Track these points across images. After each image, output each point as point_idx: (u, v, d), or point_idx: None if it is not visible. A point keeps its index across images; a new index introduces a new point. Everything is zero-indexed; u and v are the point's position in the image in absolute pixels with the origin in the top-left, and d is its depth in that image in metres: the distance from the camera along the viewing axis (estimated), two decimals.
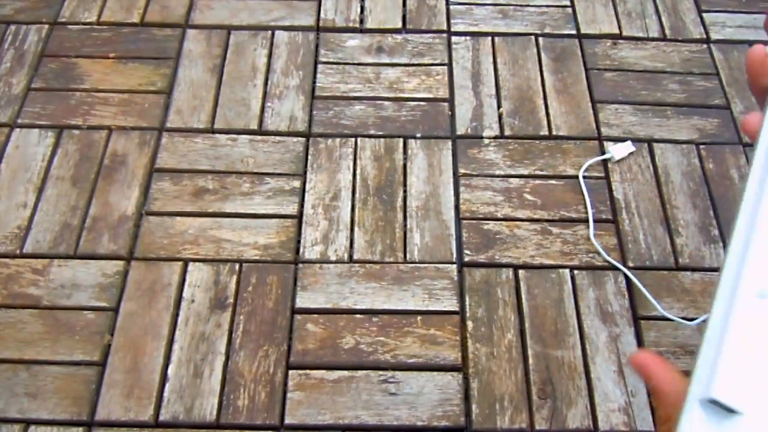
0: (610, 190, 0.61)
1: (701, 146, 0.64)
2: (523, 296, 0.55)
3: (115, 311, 0.53)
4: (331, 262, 0.56)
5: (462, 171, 0.61)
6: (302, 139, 0.63)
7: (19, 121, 0.63)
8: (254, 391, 0.50)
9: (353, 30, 0.71)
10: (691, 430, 0.21)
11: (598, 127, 0.65)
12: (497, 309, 0.54)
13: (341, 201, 0.59)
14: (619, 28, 0.73)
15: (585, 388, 0.51)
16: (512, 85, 0.67)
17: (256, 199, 0.59)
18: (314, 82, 0.67)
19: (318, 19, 0.72)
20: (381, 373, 0.51)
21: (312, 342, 0.52)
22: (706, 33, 0.73)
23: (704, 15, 0.74)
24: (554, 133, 0.64)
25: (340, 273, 0.55)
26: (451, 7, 0.74)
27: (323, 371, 0.51)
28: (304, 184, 0.60)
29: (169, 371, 0.50)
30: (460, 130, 0.64)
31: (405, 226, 0.58)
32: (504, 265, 0.56)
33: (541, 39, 0.71)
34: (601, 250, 0.56)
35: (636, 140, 0.64)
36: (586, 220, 0.59)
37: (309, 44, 0.70)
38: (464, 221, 0.58)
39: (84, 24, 0.70)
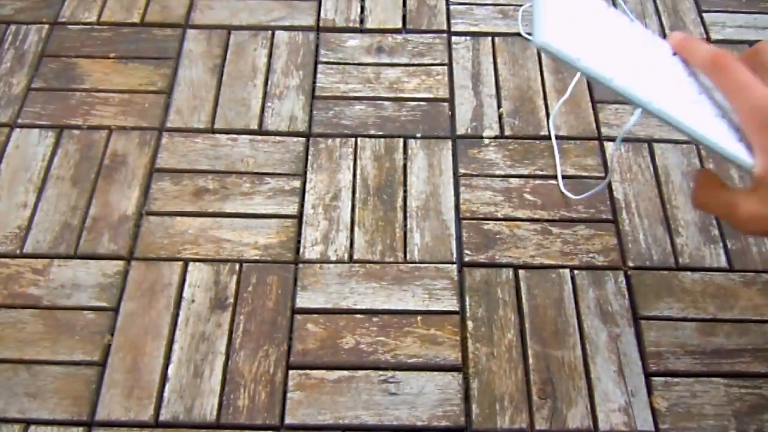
0: (610, 190, 0.61)
1: (701, 146, 0.64)
2: (523, 296, 0.55)
3: (115, 311, 0.53)
4: (331, 262, 0.56)
5: (462, 171, 0.61)
6: (302, 139, 0.63)
7: (19, 121, 0.63)
8: (254, 391, 0.50)
9: (353, 30, 0.71)
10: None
11: (598, 127, 0.65)
12: (497, 309, 0.54)
13: (341, 201, 0.59)
14: None
15: (585, 388, 0.51)
16: (512, 85, 0.67)
17: (256, 199, 0.59)
18: (314, 82, 0.67)
19: (318, 19, 0.72)
20: (381, 373, 0.51)
21: (312, 342, 0.52)
22: (706, 33, 0.73)
23: (704, 15, 0.74)
24: (554, 133, 0.64)
25: (340, 273, 0.55)
26: (451, 7, 0.74)
27: (323, 371, 0.51)
28: (304, 184, 0.60)
29: (169, 371, 0.50)
30: (460, 130, 0.64)
31: (405, 226, 0.58)
32: (504, 265, 0.56)
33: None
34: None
35: (636, 140, 0.64)
36: (587, 220, 0.59)
37: (309, 44, 0.70)
38: (464, 221, 0.58)
39: (84, 24, 0.70)
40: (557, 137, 0.64)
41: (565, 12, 0.36)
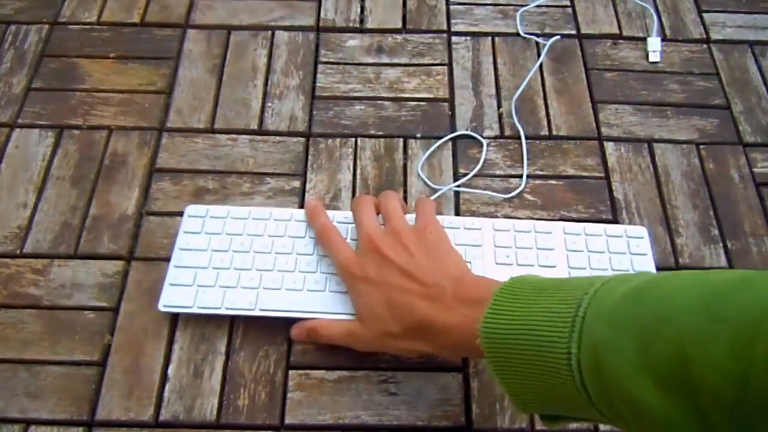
0: (610, 190, 0.61)
1: (701, 146, 0.64)
2: None
3: (115, 311, 0.53)
4: None
5: (462, 171, 0.61)
6: (302, 139, 0.63)
7: (20, 121, 0.63)
8: (254, 391, 0.50)
9: (353, 30, 0.71)
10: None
11: (598, 127, 0.65)
12: None
13: (341, 201, 0.59)
14: (619, 28, 0.73)
15: None
16: (512, 85, 0.67)
17: (256, 199, 0.59)
18: (314, 82, 0.67)
19: (318, 19, 0.72)
20: (381, 373, 0.51)
21: (312, 342, 0.52)
22: (706, 33, 0.73)
23: (704, 15, 0.74)
24: (554, 133, 0.64)
25: None
26: (451, 7, 0.74)
27: (323, 371, 0.51)
28: (304, 184, 0.60)
29: (169, 371, 0.50)
30: (460, 130, 0.64)
31: None
32: None
33: (540, 39, 0.71)
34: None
35: (636, 140, 0.64)
36: (587, 221, 0.59)
37: (309, 44, 0.70)
38: None
39: (84, 24, 0.70)
40: (557, 137, 0.64)
41: (185, 271, 0.52)
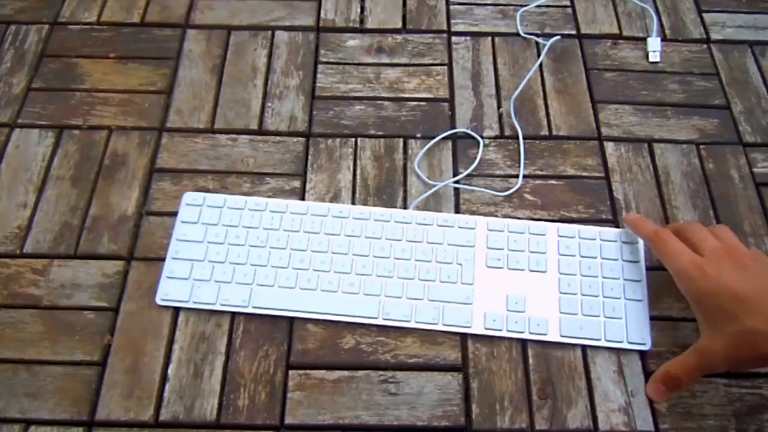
0: (610, 190, 0.61)
1: (701, 146, 0.64)
2: None
3: (115, 311, 0.53)
4: None
5: (462, 171, 0.61)
6: (302, 139, 0.63)
7: (20, 121, 0.63)
8: (254, 391, 0.50)
9: (353, 30, 0.71)
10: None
11: (598, 127, 0.65)
12: None
13: (341, 201, 0.59)
14: (619, 28, 0.73)
15: (585, 388, 0.51)
16: (512, 85, 0.67)
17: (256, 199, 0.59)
18: (314, 82, 0.67)
19: (318, 19, 0.72)
20: (381, 373, 0.51)
21: (312, 342, 0.52)
22: (706, 33, 0.73)
23: (704, 15, 0.74)
24: (554, 133, 0.64)
25: None
26: (451, 7, 0.74)
27: (323, 371, 0.51)
28: (304, 184, 0.60)
29: (169, 371, 0.50)
30: (460, 130, 0.64)
31: None
32: None
33: (540, 39, 0.71)
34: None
35: (636, 140, 0.64)
36: (587, 221, 0.59)
37: (309, 44, 0.70)
38: None
39: (84, 24, 0.70)
40: (557, 137, 0.64)
41: (181, 263, 0.53)
